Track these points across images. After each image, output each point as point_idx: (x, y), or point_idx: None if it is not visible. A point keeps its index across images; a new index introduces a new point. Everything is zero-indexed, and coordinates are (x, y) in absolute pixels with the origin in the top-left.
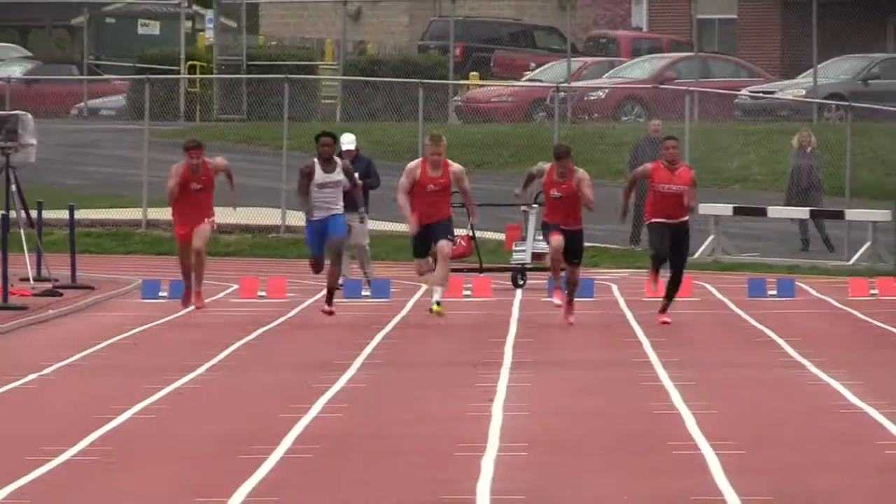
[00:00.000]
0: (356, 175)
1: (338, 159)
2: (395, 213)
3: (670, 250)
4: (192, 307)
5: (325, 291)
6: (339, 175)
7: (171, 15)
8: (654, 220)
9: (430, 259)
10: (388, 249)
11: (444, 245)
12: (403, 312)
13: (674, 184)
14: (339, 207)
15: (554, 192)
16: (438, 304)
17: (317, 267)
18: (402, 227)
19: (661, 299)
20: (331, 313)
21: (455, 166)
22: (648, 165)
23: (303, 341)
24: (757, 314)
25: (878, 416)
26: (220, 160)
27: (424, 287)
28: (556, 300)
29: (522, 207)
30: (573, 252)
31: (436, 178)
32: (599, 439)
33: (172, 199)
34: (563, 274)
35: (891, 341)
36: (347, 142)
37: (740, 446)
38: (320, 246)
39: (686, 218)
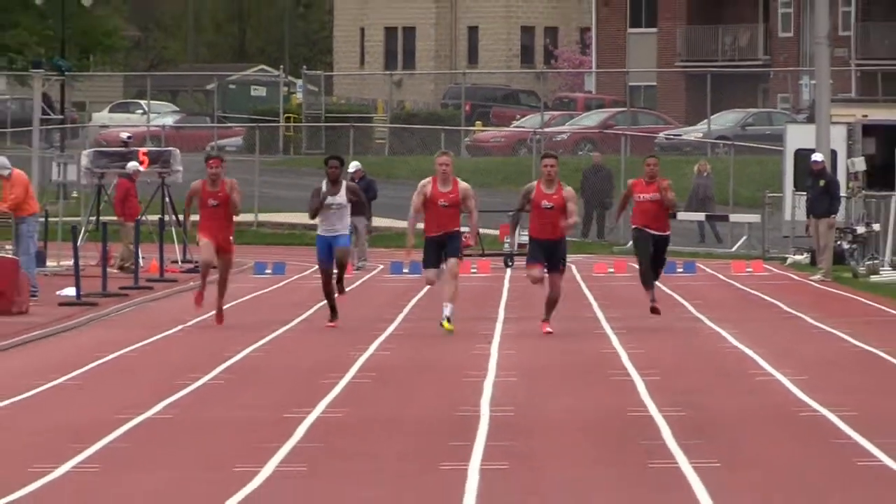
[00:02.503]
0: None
1: (344, 182)
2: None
3: (651, 260)
4: (204, 312)
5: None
6: (342, 198)
7: (274, 82)
8: (637, 226)
9: (440, 271)
10: (419, 242)
11: (453, 263)
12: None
13: (648, 193)
14: (344, 228)
15: (545, 203)
16: (448, 320)
17: (328, 281)
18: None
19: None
20: (334, 326)
21: (463, 184)
22: (630, 182)
23: (363, 303)
24: (670, 285)
25: (752, 354)
26: (232, 182)
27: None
28: (546, 329)
29: (510, 213)
30: (557, 258)
31: (446, 194)
32: (563, 369)
33: (188, 210)
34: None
35: (761, 304)
36: (353, 166)
37: (658, 374)
38: (329, 258)
39: (668, 233)
